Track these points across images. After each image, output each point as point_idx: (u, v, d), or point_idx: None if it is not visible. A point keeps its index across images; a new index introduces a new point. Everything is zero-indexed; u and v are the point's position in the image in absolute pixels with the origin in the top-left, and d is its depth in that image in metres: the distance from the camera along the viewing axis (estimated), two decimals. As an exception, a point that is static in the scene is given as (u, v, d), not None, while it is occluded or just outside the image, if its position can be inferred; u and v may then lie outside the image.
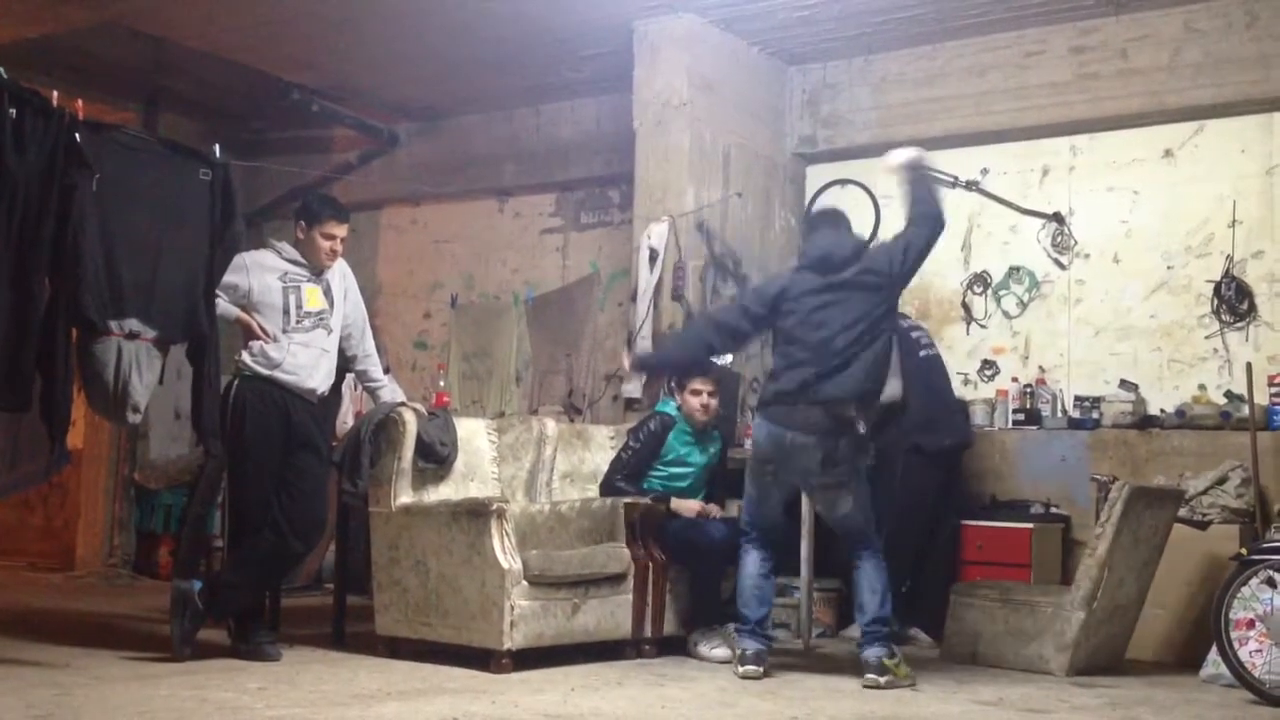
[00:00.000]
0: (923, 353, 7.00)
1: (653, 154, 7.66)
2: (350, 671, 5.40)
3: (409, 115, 9.61)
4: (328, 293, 5.90)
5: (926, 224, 5.66)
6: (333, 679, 5.20)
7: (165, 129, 8.88)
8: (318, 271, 5.87)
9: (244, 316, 5.75)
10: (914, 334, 6.97)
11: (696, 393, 6.39)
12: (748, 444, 7.09)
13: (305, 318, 5.79)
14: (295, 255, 5.85)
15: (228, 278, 5.69)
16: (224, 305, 5.71)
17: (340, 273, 6.01)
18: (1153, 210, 7.36)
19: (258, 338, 5.72)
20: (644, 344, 6.96)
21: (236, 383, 5.75)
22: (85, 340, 5.38)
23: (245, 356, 5.74)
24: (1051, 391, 7.43)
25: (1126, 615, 6.12)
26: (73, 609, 7.41)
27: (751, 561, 5.72)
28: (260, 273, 5.77)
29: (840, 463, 5.49)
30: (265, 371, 5.71)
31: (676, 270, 7.46)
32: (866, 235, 7.81)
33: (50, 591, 8.42)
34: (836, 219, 5.95)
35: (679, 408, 6.44)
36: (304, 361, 5.76)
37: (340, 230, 5.89)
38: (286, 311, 5.75)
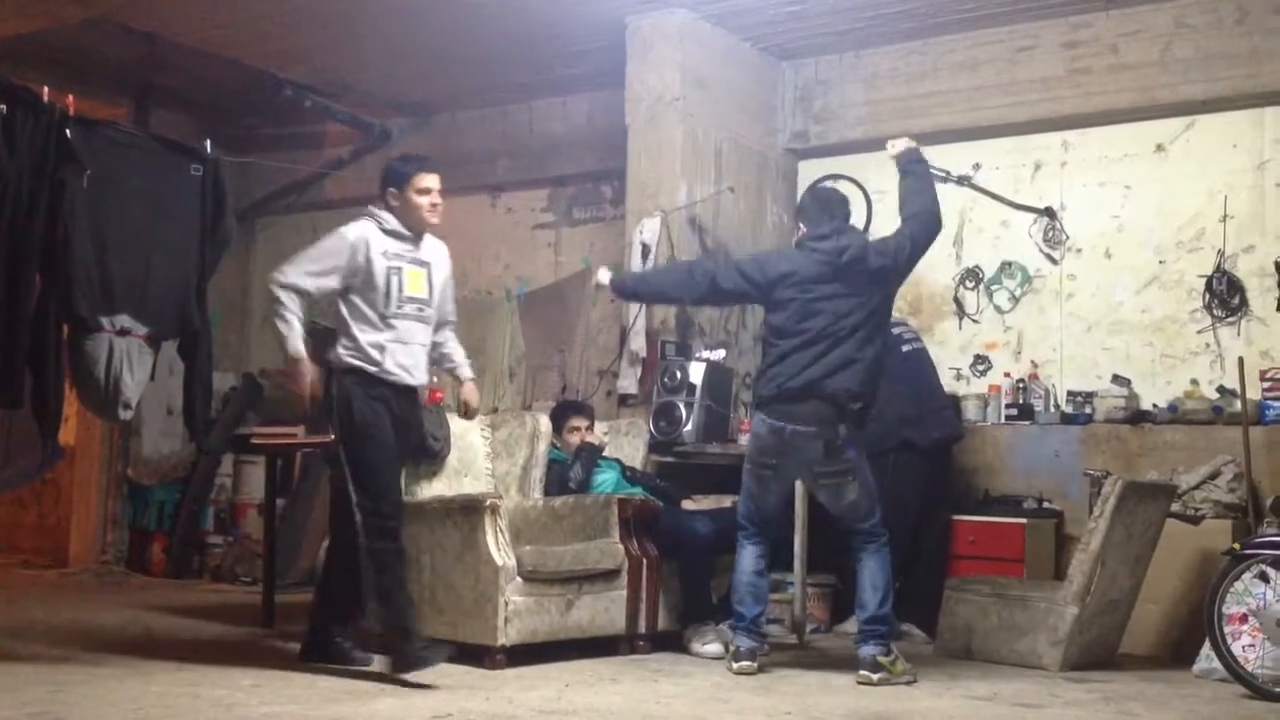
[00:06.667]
0: (905, 348, 7.00)
1: (645, 149, 7.65)
2: (344, 668, 5.39)
3: (401, 111, 9.59)
4: (429, 279, 5.41)
5: (925, 220, 5.68)
6: (327, 675, 5.19)
7: (157, 125, 8.86)
8: (419, 239, 5.39)
9: (306, 370, 5.18)
10: (895, 330, 6.96)
11: (575, 430, 6.58)
12: (743, 440, 7.12)
13: (406, 303, 5.30)
14: (396, 225, 5.32)
15: (326, 262, 5.21)
16: (294, 323, 5.16)
17: (440, 257, 5.50)
18: (1144, 205, 7.37)
19: (304, 401, 5.25)
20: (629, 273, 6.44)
21: (340, 379, 5.23)
22: (76, 337, 5.37)
23: (342, 354, 5.24)
24: (1044, 386, 7.44)
25: (1119, 610, 6.13)
26: (66, 606, 7.39)
27: (748, 557, 5.68)
28: (368, 248, 5.24)
29: (843, 450, 5.48)
30: (371, 369, 5.23)
31: (670, 266, 7.46)
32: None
33: (44, 588, 8.41)
34: (844, 207, 5.84)
35: (559, 448, 6.54)
36: (405, 361, 5.29)
37: (434, 180, 5.35)
38: (388, 294, 5.25)
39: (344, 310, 5.27)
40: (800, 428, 5.47)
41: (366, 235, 5.26)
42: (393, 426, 5.25)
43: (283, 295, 5.17)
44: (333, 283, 5.23)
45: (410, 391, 5.37)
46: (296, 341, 5.15)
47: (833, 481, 5.55)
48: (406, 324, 5.30)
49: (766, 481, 5.67)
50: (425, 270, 5.39)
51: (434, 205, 5.35)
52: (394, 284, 5.25)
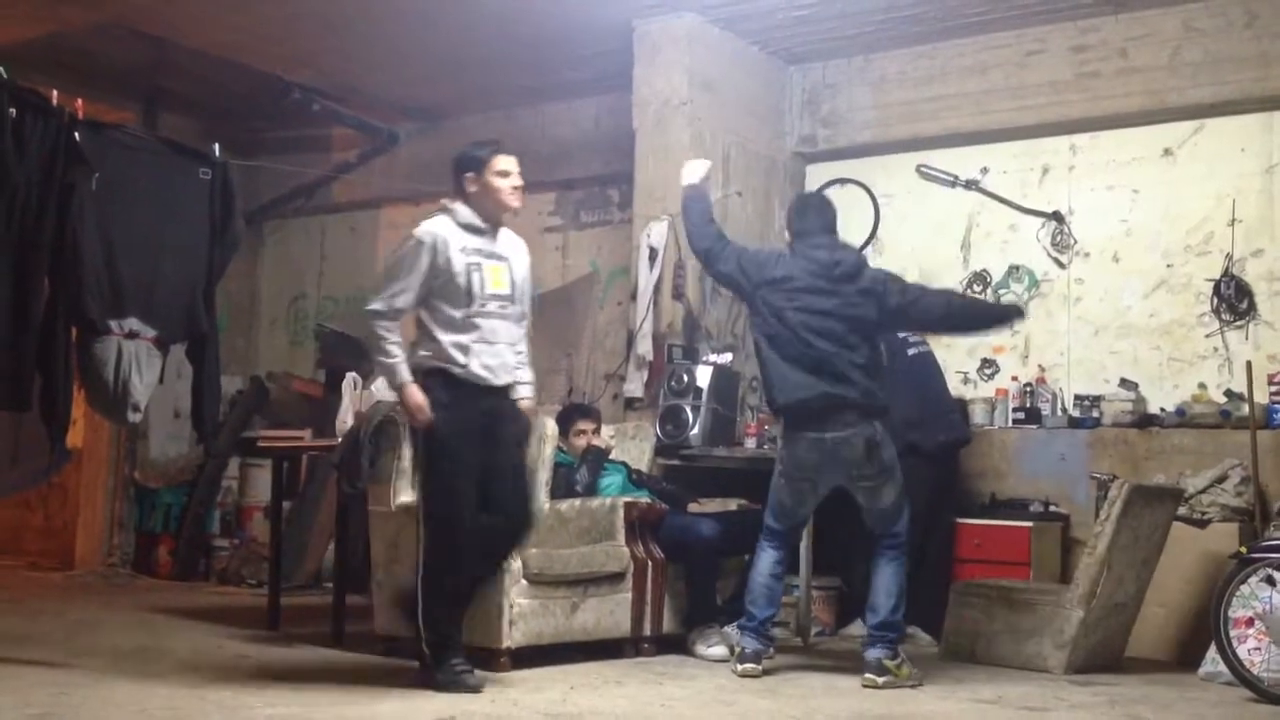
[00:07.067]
0: (911, 351, 7.00)
1: (652, 153, 7.66)
2: (349, 670, 5.41)
3: (409, 114, 9.60)
4: (511, 274, 5.18)
5: (943, 306, 5.82)
6: (331, 677, 5.21)
7: (165, 128, 8.89)
8: (495, 232, 5.18)
9: (415, 394, 4.96)
10: (901, 333, 6.97)
11: (581, 433, 6.57)
12: (749, 443, 7.13)
13: (489, 300, 5.05)
14: (471, 217, 5.11)
15: (408, 277, 4.98)
16: (395, 352, 4.95)
17: (519, 251, 5.28)
18: (1152, 209, 7.36)
19: (418, 420, 5.00)
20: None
21: (422, 384, 5.02)
22: (85, 339, 5.39)
23: (423, 357, 5.05)
24: (1051, 390, 7.43)
25: (1125, 613, 6.13)
26: (72, 608, 7.41)
27: (766, 560, 5.66)
28: (447, 247, 5.02)
29: (882, 449, 5.49)
30: (456, 370, 5.03)
31: (676, 269, 7.47)
32: (862, 238, 7.87)
33: (50, 590, 8.42)
34: (825, 214, 5.82)
35: (565, 451, 6.52)
36: (491, 362, 5.08)
37: (511, 163, 5.14)
38: (469, 293, 5.01)
39: (424, 313, 5.07)
40: (840, 433, 5.45)
41: (442, 233, 5.04)
42: (480, 433, 5.03)
43: (379, 327, 4.99)
44: (420, 294, 5.03)
45: (495, 393, 5.11)
46: (402, 372, 4.98)
47: (872, 484, 5.53)
48: (490, 323, 5.06)
49: (805, 496, 5.63)
50: (506, 265, 5.16)
51: (515, 188, 5.15)
52: (475, 281, 5.02)
